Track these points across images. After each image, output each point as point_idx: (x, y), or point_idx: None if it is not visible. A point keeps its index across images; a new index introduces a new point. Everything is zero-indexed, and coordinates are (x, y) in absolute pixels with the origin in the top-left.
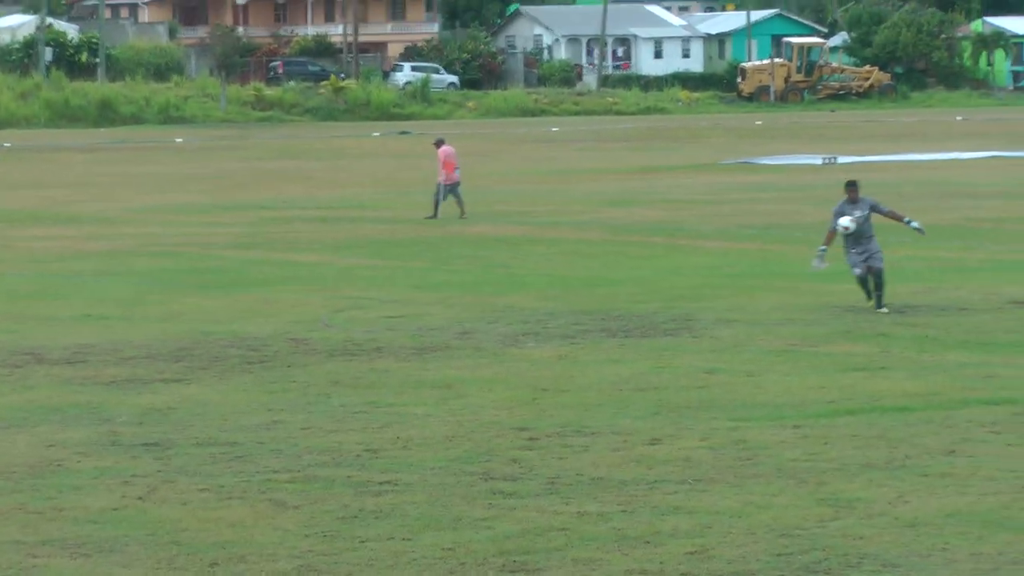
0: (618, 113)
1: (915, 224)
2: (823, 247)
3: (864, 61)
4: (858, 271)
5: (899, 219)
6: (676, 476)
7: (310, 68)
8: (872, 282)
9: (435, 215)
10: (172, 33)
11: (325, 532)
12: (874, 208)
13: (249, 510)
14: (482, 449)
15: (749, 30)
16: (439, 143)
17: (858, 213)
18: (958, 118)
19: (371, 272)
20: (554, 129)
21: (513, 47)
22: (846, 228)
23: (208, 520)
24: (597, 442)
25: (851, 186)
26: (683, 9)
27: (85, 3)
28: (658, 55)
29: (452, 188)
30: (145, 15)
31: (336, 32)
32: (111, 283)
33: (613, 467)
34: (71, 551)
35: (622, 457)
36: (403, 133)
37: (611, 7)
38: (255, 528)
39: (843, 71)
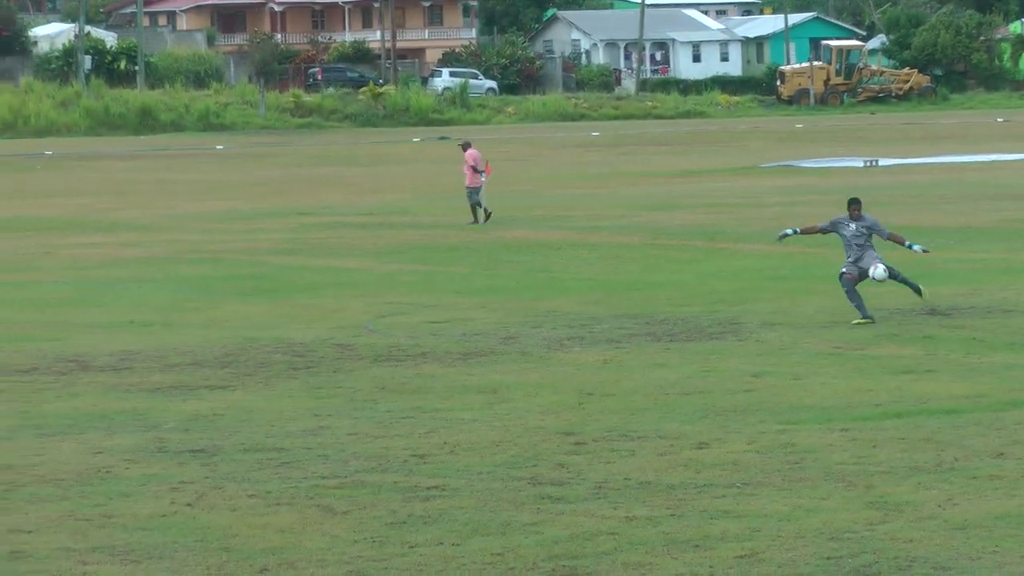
0: (657, 117)
1: (917, 247)
2: (797, 230)
3: (903, 64)
4: (844, 270)
5: (900, 243)
6: (724, 480)
7: (348, 74)
8: (900, 283)
9: (476, 220)
10: (210, 40)
11: (374, 538)
12: (874, 229)
13: (298, 516)
14: (529, 454)
15: (787, 33)
16: (466, 145)
17: (852, 226)
18: (999, 120)
19: (413, 277)
20: (594, 134)
21: (551, 52)
22: (881, 280)
23: (257, 526)
24: (644, 446)
25: (854, 204)
26: (720, 13)
27: (123, 11)
28: (696, 59)
29: (473, 194)
30: (183, 22)
31: (374, 38)
32: (153, 290)
33: (660, 471)
34: (121, 558)
35: (669, 461)
36: (442, 138)
37: (648, 11)
38: (304, 534)
39: (882, 74)
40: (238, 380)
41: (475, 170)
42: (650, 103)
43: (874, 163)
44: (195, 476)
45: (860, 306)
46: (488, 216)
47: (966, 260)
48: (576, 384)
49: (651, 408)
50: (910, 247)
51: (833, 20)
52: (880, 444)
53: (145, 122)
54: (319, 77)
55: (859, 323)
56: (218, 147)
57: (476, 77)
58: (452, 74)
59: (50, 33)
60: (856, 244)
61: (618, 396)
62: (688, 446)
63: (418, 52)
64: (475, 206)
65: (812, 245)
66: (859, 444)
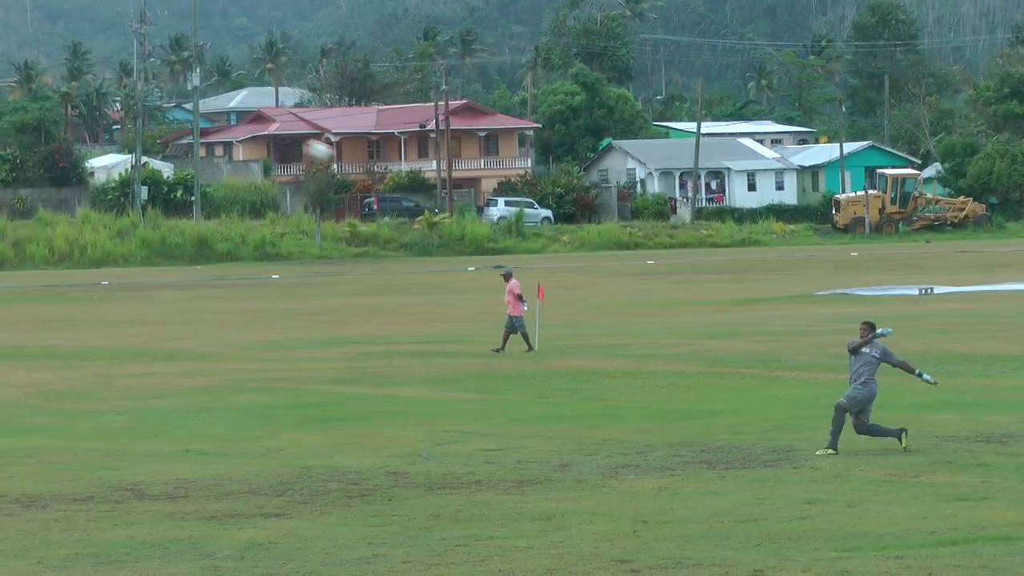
0: (713, 245)
1: (926, 376)
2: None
3: (958, 192)
4: (843, 401)
5: (910, 371)
6: None
7: (404, 204)
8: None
9: (531, 347)
10: (267, 171)
11: None
12: (885, 356)
13: None
14: None
15: (842, 162)
16: (508, 276)
17: (866, 349)
18: None
19: (468, 405)
20: (649, 262)
21: (606, 181)
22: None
23: None
24: (699, 575)
25: (866, 326)
26: (776, 142)
27: (180, 142)
28: (752, 187)
29: (519, 322)
30: (240, 153)
31: (430, 168)
32: (210, 419)
33: None
34: None
35: None
36: (498, 267)
37: (704, 140)
38: None
39: (938, 202)
40: (293, 508)
41: (519, 298)
42: (705, 232)
43: (929, 291)
44: None
45: (835, 435)
46: (529, 348)
47: (1022, 388)
48: (631, 512)
49: (706, 536)
50: (919, 376)
51: (888, 149)
52: (935, 572)
53: (201, 252)
54: (375, 206)
55: (823, 453)
56: (274, 277)
57: (531, 206)
58: (507, 203)
59: (107, 164)
60: (866, 369)
61: (673, 524)
62: (743, 574)
63: (474, 181)
64: (510, 334)
65: None
66: (914, 572)
